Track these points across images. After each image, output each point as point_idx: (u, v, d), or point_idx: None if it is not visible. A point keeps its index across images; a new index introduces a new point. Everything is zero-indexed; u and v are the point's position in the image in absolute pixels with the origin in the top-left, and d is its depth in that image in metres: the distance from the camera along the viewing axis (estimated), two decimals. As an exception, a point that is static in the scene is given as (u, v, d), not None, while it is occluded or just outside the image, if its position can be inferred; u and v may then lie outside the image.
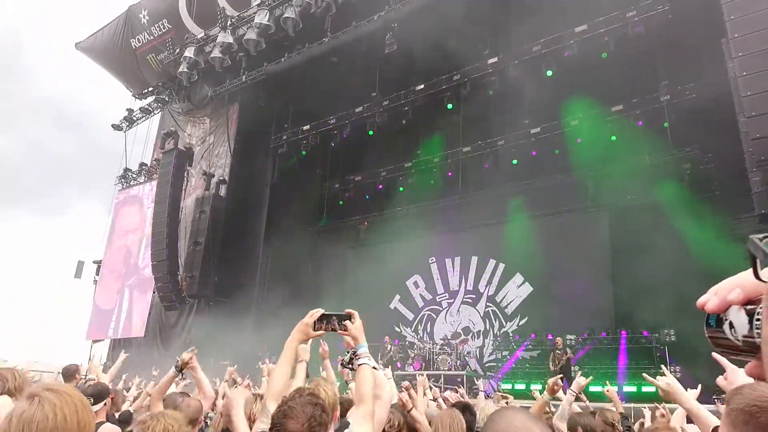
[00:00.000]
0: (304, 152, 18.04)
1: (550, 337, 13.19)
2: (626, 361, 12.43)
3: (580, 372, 11.98)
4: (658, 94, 13.44)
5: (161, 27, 18.85)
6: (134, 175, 21.56)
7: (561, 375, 11.72)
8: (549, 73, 13.76)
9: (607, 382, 5.13)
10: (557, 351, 12.27)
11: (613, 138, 14.21)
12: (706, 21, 10.47)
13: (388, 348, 14.29)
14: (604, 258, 14.46)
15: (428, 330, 17.23)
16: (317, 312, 2.39)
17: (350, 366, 2.36)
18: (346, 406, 2.76)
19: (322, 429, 1.76)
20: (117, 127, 22.15)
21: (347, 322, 2.34)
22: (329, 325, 2.34)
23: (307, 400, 1.83)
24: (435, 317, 17.35)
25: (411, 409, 3.39)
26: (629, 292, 12.52)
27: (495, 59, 14.42)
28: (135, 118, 22.12)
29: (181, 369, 3.59)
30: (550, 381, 4.02)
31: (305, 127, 17.72)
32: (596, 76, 13.54)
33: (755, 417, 1.23)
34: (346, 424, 2.11)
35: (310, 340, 3.44)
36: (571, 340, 13.06)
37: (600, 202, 14.86)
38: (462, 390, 5.82)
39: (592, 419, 3.35)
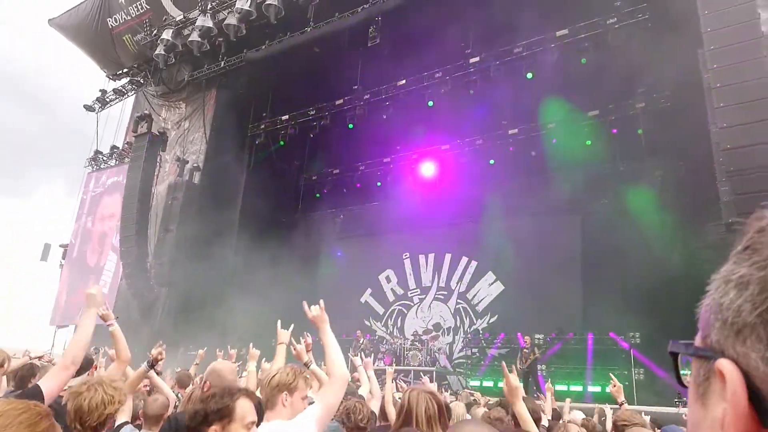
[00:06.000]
0: (282, 142, 17.84)
1: (519, 335, 13.35)
2: (592, 362, 12.68)
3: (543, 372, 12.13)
4: (633, 101, 13.67)
5: (139, 7, 18.35)
6: (105, 158, 21.02)
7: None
8: (529, 75, 13.87)
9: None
10: (525, 350, 12.44)
11: (588, 142, 14.41)
12: (684, 31, 10.67)
13: (361, 341, 14.28)
14: (575, 260, 14.69)
15: (398, 325, 17.29)
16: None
17: None
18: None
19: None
20: (89, 108, 21.55)
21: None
22: None
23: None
24: (406, 312, 17.41)
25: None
26: (598, 294, 12.75)
27: (477, 59, 14.46)
28: (108, 100, 21.56)
29: (152, 365, 3.58)
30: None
31: (284, 117, 17.51)
32: (575, 80, 13.70)
33: None
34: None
35: (291, 326, 3.47)
36: (539, 339, 13.25)
37: (573, 205, 15.06)
38: (425, 379, 5.82)
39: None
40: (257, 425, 1.91)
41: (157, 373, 3.95)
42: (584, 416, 5.33)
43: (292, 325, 3.57)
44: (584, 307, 13.86)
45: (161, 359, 3.63)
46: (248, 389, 1.93)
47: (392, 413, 3.71)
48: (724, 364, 0.45)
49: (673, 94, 12.73)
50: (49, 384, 2.47)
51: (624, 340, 12.39)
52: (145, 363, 3.55)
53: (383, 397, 4.00)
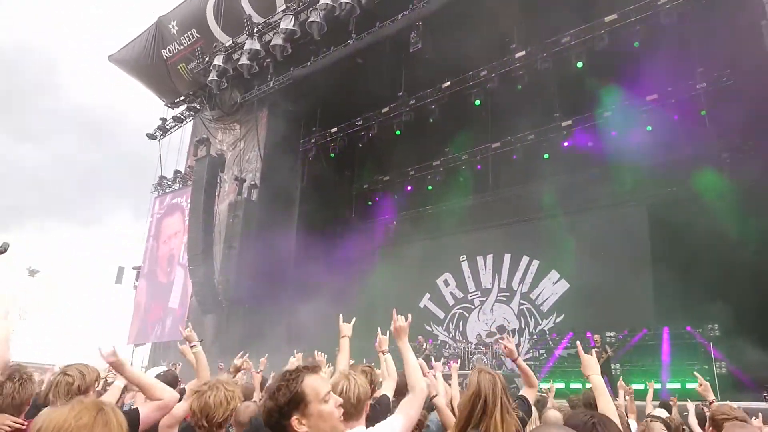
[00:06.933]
0: (332, 155, 18.15)
1: (588, 335, 12.88)
2: (669, 358, 12.07)
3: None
4: (693, 82, 13.01)
5: (190, 36, 19.23)
6: (169, 183, 22.07)
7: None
8: (579, 64, 13.47)
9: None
10: (596, 349, 11.99)
11: (649, 128, 13.80)
12: (742, 3, 10.08)
13: (424, 347, 14.23)
14: (643, 252, 14.07)
15: (460, 329, 17.10)
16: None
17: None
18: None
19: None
20: (151, 136, 22.71)
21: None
22: None
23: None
24: (467, 316, 17.21)
25: None
26: (670, 286, 12.14)
27: (523, 53, 14.17)
28: (168, 127, 22.64)
29: (234, 375, 3.88)
30: None
31: (333, 130, 17.82)
32: (628, 65, 13.19)
33: None
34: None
35: (353, 320, 3.57)
36: (610, 337, 12.74)
37: (637, 195, 14.48)
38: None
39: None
40: None
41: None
42: (667, 414, 5.07)
43: (354, 318, 3.73)
44: (656, 301, 13.23)
45: (246, 368, 3.78)
46: (309, 365, 1.85)
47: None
48: None
49: (736, 71, 12.02)
50: (147, 413, 2.50)
51: (701, 333, 11.74)
52: (226, 374, 3.77)
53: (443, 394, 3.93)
